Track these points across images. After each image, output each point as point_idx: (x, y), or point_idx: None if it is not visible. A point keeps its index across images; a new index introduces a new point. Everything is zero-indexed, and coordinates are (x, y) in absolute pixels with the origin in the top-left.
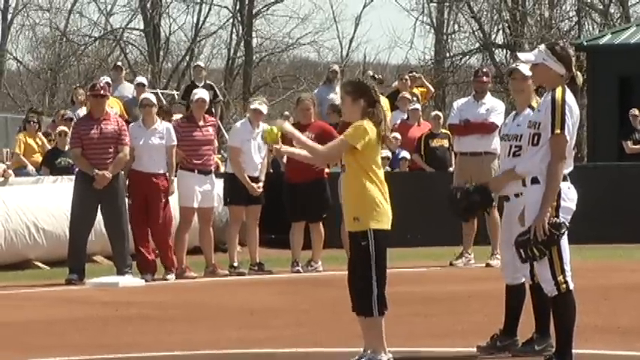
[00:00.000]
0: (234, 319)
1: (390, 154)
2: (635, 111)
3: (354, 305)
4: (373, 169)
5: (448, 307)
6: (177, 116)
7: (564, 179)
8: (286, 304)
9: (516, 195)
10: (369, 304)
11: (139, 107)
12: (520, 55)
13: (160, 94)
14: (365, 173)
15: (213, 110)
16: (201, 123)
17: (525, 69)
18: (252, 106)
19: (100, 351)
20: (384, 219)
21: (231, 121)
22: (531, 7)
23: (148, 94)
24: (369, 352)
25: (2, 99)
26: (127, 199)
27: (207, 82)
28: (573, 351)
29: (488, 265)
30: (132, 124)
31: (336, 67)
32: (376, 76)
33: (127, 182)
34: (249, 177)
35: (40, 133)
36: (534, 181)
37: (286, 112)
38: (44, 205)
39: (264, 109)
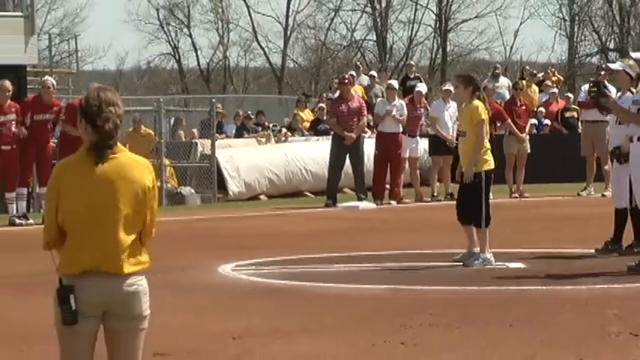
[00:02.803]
0: (437, 229)
1: (537, 122)
2: None
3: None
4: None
5: (577, 223)
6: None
7: None
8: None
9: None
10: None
11: (386, 89)
12: (632, 54)
13: None
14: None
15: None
16: (418, 105)
17: (615, 66)
18: (443, 88)
19: (345, 250)
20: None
21: (432, 101)
22: (635, 23)
23: (393, 81)
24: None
25: (284, 86)
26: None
27: (416, 74)
28: None
29: (603, 195)
30: (379, 99)
31: (498, 66)
32: (533, 71)
33: (375, 138)
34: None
35: (307, 110)
36: None
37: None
38: (311, 155)
39: (452, 88)
